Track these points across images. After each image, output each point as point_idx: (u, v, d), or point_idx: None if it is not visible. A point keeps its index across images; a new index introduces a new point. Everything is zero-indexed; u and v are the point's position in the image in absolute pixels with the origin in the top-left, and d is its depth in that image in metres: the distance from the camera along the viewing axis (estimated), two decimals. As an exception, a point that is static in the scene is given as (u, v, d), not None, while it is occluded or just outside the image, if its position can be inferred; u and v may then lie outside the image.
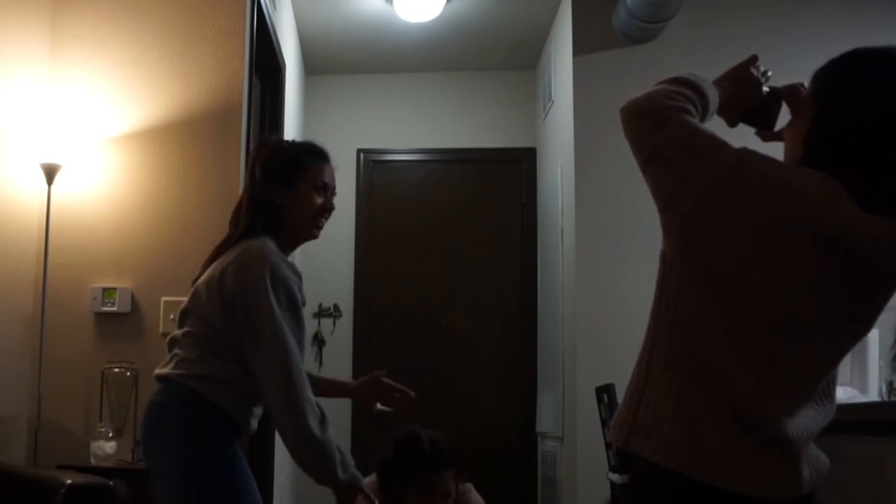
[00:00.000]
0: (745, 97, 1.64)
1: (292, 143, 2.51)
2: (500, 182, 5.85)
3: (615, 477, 3.67)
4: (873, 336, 3.14)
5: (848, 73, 1.47)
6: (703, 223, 1.41)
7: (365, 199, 5.84)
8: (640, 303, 4.36)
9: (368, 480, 2.94)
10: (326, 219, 2.42)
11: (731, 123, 1.66)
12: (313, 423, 2.14)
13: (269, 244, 2.25)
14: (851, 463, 2.50)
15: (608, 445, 3.75)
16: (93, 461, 3.31)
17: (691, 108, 1.48)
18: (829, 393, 1.51)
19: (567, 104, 4.71)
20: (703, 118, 1.53)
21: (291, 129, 5.04)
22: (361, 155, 5.88)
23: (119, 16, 3.73)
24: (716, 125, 1.56)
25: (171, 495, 2.17)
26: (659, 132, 1.45)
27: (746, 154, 1.43)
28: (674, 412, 1.41)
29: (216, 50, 3.70)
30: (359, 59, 5.73)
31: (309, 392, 2.16)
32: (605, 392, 3.68)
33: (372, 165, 5.88)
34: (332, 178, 2.45)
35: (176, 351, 2.28)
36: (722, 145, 1.44)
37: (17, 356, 3.49)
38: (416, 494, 2.91)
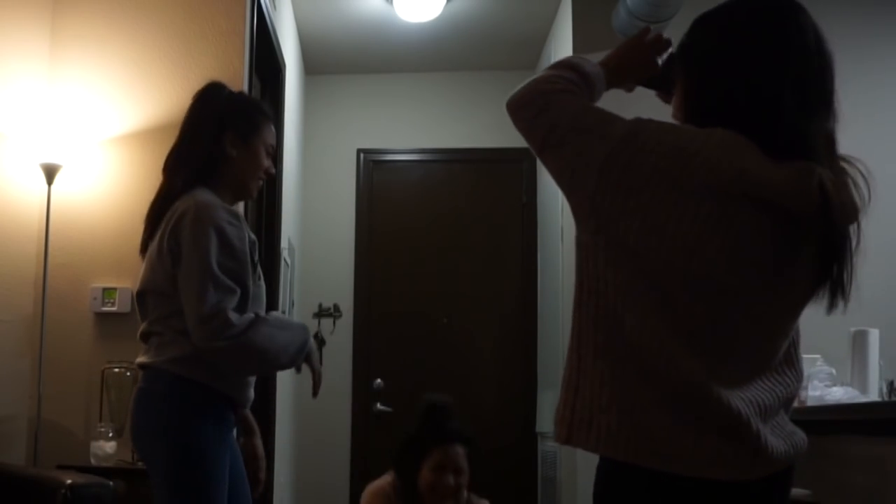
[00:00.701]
0: (640, 68, 1.62)
1: (241, 96, 2.50)
2: (500, 182, 5.85)
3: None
4: (873, 336, 3.14)
5: (714, 29, 1.46)
6: (609, 200, 1.37)
7: (365, 199, 5.83)
8: (640, 303, 4.38)
9: (383, 481, 2.96)
10: (263, 182, 2.41)
11: (629, 90, 1.66)
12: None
13: (206, 195, 2.21)
14: (851, 463, 2.50)
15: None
16: (93, 461, 3.31)
17: (574, 87, 1.46)
18: (792, 362, 1.45)
19: (567, 104, 4.70)
20: (591, 97, 1.51)
21: (291, 129, 5.04)
22: (361, 155, 5.87)
23: (119, 16, 3.73)
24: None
25: (163, 486, 2.15)
26: (544, 117, 1.43)
27: (637, 124, 1.40)
28: (610, 400, 1.36)
29: (216, 50, 3.70)
30: (359, 59, 5.72)
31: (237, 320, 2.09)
32: (605, 392, 3.68)
33: (372, 165, 5.88)
34: (275, 140, 2.45)
35: (152, 338, 2.24)
36: (610, 119, 1.41)
37: (17, 356, 3.49)
38: (429, 469, 2.91)
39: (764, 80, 1.38)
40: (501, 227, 5.79)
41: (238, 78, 3.68)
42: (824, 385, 3.06)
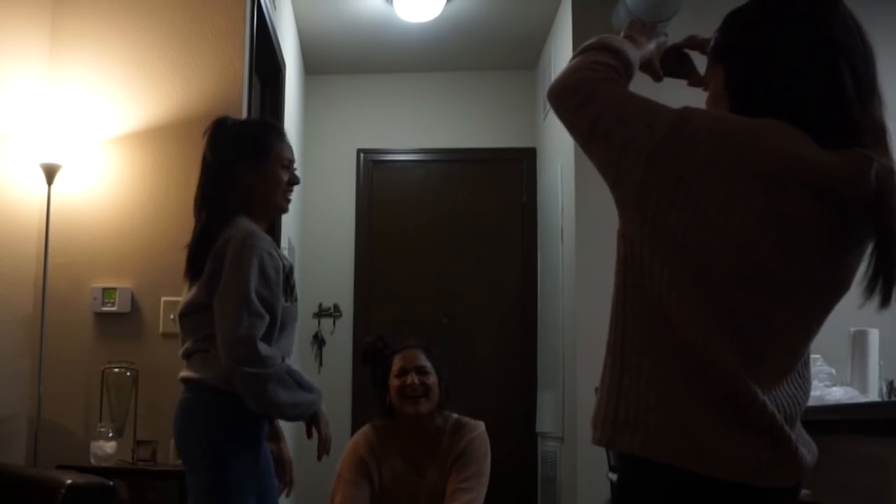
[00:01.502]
0: (661, 47, 1.57)
1: (248, 123, 2.62)
2: (500, 182, 5.85)
3: (615, 477, 3.67)
4: (873, 336, 3.14)
5: (757, 21, 1.42)
6: (657, 192, 1.32)
7: (365, 199, 5.83)
8: (640, 303, 4.38)
9: (363, 428, 3.00)
10: (292, 192, 2.52)
11: (658, 78, 1.59)
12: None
13: (248, 224, 2.34)
14: (851, 463, 2.50)
15: (608, 445, 3.75)
16: (93, 461, 3.31)
17: (615, 75, 1.41)
18: (803, 372, 1.43)
19: (567, 104, 4.70)
20: (628, 79, 1.45)
21: (291, 129, 5.04)
22: (361, 155, 5.88)
23: (119, 16, 3.73)
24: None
25: (197, 485, 2.30)
26: (589, 108, 1.37)
27: (685, 112, 1.34)
28: (657, 401, 1.31)
29: (216, 50, 3.70)
30: (359, 59, 5.73)
31: (265, 351, 2.24)
32: (605, 392, 3.68)
33: (372, 165, 5.88)
34: (292, 151, 2.53)
35: (195, 355, 2.36)
36: (656, 108, 1.36)
37: (17, 356, 3.49)
38: (394, 378, 2.91)
39: (817, 69, 1.35)
40: (501, 227, 5.79)
41: (238, 78, 3.69)
42: (824, 385, 3.05)
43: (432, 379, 2.89)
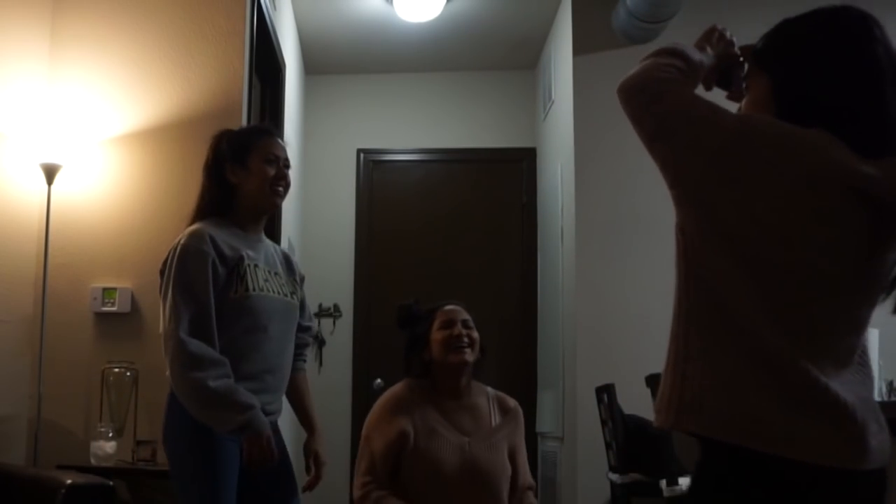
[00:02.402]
0: (725, 58, 1.64)
1: (240, 129, 2.68)
2: (500, 182, 5.85)
3: (615, 477, 3.67)
4: (873, 335, 3.14)
5: (807, 35, 1.52)
6: (717, 191, 1.42)
7: (365, 199, 5.83)
8: (640, 302, 4.40)
9: (395, 388, 2.90)
10: (284, 188, 2.54)
11: (709, 87, 1.67)
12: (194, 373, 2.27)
13: (195, 227, 2.41)
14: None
15: (608, 445, 3.75)
16: (93, 461, 3.31)
17: (684, 77, 1.50)
18: (865, 362, 1.51)
19: (567, 104, 4.71)
20: (695, 84, 1.55)
21: (291, 129, 5.04)
22: (361, 155, 5.88)
23: (119, 16, 3.73)
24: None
25: (177, 479, 2.36)
26: (658, 106, 1.46)
27: (747, 117, 1.48)
28: (722, 385, 1.40)
29: (216, 50, 3.70)
30: (359, 59, 5.73)
31: (197, 349, 2.29)
32: (605, 392, 3.68)
33: (372, 165, 5.88)
34: (283, 150, 2.56)
35: None
36: (721, 111, 1.46)
37: (17, 356, 3.49)
38: (438, 331, 2.87)
39: (863, 84, 1.47)
40: (501, 227, 5.79)
41: (238, 78, 3.68)
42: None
43: (475, 334, 2.89)
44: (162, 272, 2.41)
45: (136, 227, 3.62)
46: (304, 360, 2.70)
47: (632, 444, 3.61)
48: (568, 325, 4.63)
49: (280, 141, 2.59)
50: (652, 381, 3.23)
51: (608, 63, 4.54)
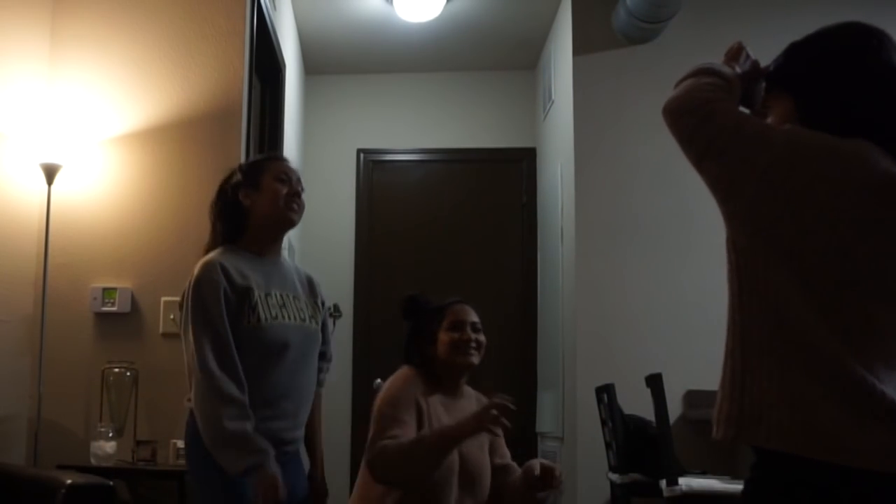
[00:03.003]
0: (751, 76, 1.66)
1: (253, 159, 2.75)
2: (500, 182, 5.85)
3: (615, 477, 3.67)
4: None
5: (823, 53, 1.56)
6: (769, 206, 1.45)
7: (365, 199, 5.83)
8: (640, 302, 4.39)
9: (402, 371, 2.86)
10: (298, 205, 2.54)
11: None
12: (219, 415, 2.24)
13: (210, 256, 2.43)
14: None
15: (608, 445, 3.75)
16: (93, 461, 3.31)
17: (728, 96, 1.54)
18: None
19: (567, 104, 4.71)
20: (737, 102, 1.58)
21: (291, 129, 5.04)
22: (361, 155, 5.87)
23: (119, 16, 3.73)
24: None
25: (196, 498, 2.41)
26: (708, 125, 1.49)
27: (796, 132, 1.49)
28: (779, 396, 1.42)
29: (216, 50, 3.70)
30: (359, 59, 5.72)
31: (220, 384, 2.25)
32: (605, 392, 3.68)
33: (372, 165, 5.88)
34: (294, 173, 2.57)
35: None
36: (769, 128, 1.50)
37: (17, 356, 3.49)
38: (446, 332, 2.82)
39: (883, 94, 1.51)
40: (501, 227, 5.79)
41: (238, 78, 3.69)
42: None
43: (482, 337, 2.89)
44: (181, 306, 2.40)
45: (136, 227, 3.62)
46: (320, 385, 2.70)
47: (632, 444, 3.61)
48: (568, 325, 4.63)
49: (292, 165, 2.61)
50: (652, 381, 3.23)
51: (608, 63, 4.54)
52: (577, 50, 4.61)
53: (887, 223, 1.44)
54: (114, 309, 3.57)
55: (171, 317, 3.53)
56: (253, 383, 2.31)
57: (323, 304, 2.67)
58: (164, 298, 3.56)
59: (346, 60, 5.74)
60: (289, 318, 2.44)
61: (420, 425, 2.64)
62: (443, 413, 2.75)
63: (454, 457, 2.69)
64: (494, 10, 5.08)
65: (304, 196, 2.56)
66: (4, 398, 3.42)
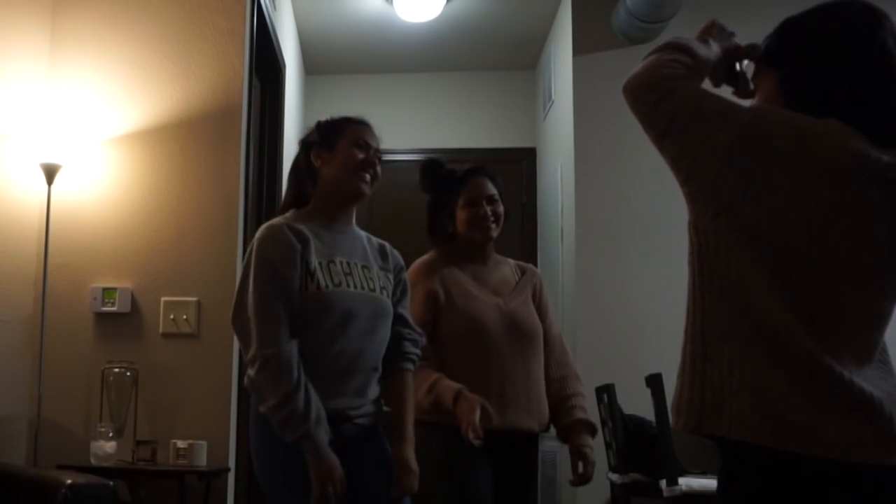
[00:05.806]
0: (729, 53, 1.61)
1: (332, 117, 2.54)
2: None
3: (615, 477, 3.67)
4: None
5: (814, 30, 1.51)
6: (731, 187, 1.39)
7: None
8: (640, 302, 4.39)
9: (425, 256, 2.89)
10: (372, 175, 2.40)
11: (717, 84, 1.63)
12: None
13: (277, 219, 2.30)
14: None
15: (608, 445, 3.75)
16: (93, 461, 3.31)
17: (691, 73, 1.47)
18: (886, 360, 1.47)
19: (567, 104, 4.71)
20: (701, 78, 1.52)
21: (291, 129, 5.04)
22: (361, 155, 5.87)
23: (119, 16, 3.73)
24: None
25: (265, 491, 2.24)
26: (668, 103, 1.43)
27: (760, 110, 1.45)
28: (741, 384, 1.36)
29: (216, 50, 3.70)
30: (359, 59, 5.73)
31: (280, 344, 2.11)
32: (605, 392, 3.68)
33: (372, 165, 5.87)
34: (376, 141, 2.44)
35: None
36: (732, 105, 1.44)
37: (17, 356, 3.49)
38: (462, 209, 2.84)
39: (872, 75, 1.45)
40: (501, 227, 5.77)
41: (238, 78, 3.68)
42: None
43: (501, 207, 2.87)
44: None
45: (136, 227, 3.62)
46: (410, 359, 2.39)
47: (632, 444, 3.61)
48: (568, 324, 4.63)
49: (375, 132, 2.46)
50: (652, 381, 3.23)
51: (608, 63, 4.55)
52: (577, 50, 4.61)
53: (856, 205, 1.38)
54: (114, 309, 3.57)
55: (171, 316, 3.53)
56: (316, 354, 2.16)
57: (399, 272, 2.48)
58: (164, 298, 3.56)
59: (346, 60, 5.74)
60: (355, 286, 2.27)
61: (436, 305, 2.72)
62: (471, 283, 2.79)
63: (497, 317, 2.71)
64: (494, 10, 5.08)
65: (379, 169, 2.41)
66: (4, 398, 3.42)
